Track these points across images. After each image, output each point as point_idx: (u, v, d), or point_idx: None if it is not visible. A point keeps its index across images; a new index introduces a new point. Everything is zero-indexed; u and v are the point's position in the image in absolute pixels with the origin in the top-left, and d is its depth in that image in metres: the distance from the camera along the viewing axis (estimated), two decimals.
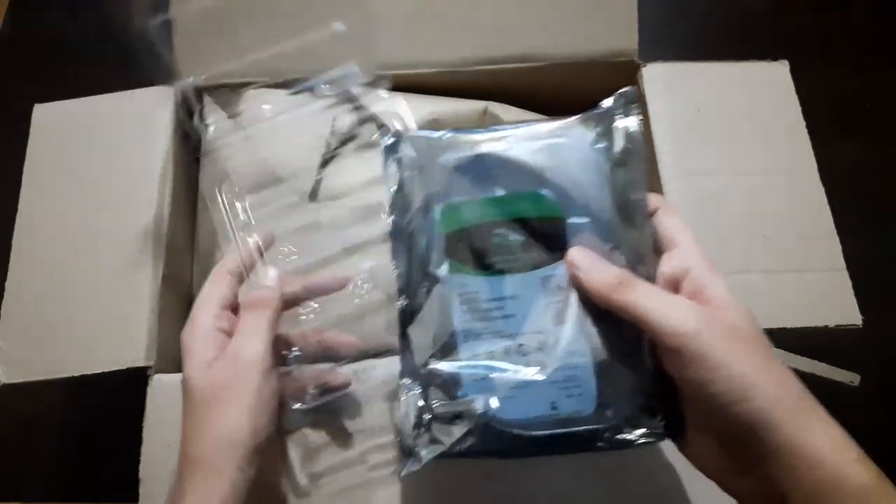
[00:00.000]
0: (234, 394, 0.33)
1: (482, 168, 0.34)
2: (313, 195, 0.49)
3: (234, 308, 0.37)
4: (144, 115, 0.49)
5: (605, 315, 0.32)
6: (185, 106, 0.52)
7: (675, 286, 0.31)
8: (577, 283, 0.32)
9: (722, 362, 0.27)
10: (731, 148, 0.49)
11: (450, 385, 0.32)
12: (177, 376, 0.42)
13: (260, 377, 0.33)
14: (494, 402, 0.31)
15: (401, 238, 0.34)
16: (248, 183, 0.49)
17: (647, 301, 0.29)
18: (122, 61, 0.70)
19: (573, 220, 0.33)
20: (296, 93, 0.49)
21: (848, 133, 0.68)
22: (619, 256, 0.32)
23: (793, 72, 0.51)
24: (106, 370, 0.42)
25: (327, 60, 0.52)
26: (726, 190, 0.48)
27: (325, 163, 0.52)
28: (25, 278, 0.45)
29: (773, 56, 0.52)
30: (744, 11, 0.74)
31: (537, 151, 0.34)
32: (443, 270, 0.33)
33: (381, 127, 0.52)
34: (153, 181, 0.47)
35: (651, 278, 0.32)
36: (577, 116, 0.35)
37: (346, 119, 0.53)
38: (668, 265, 0.32)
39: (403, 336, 0.33)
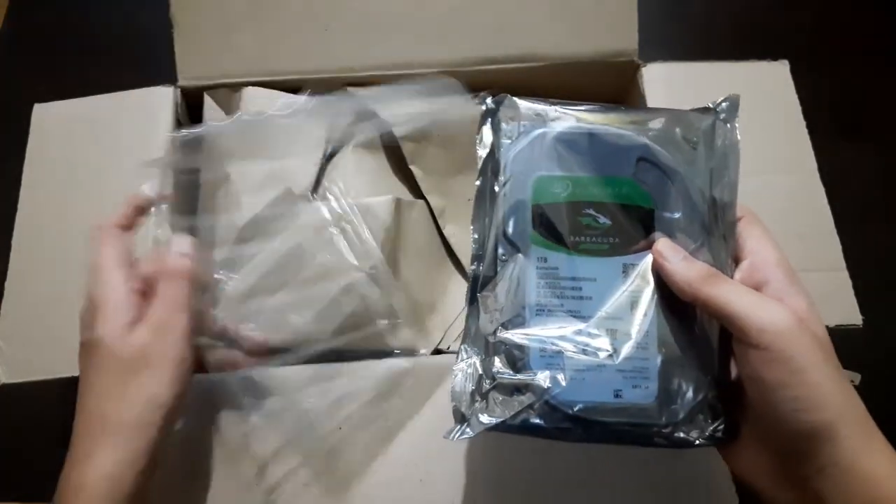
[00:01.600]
0: (160, 361, 0.34)
1: (582, 146, 0.34)
2: (313, 194, 0.49)
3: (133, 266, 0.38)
4: (144, 115, 0.49)
5: (680, 312, 0.32)
6: (185, 106, 0.52)
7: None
8: (662, 273, 0.32)
9: (805, 367, 0.27)
10: None
11: (516, 357, 0.31)
12: None
13: (185, 348, 0.35)
14: (560, 381, 0.31)
15: (483, 203, 0.34)
16: (248, 184, 0.49)
17: (738, 296, 0.29)
18: (123, 61, 0.70)
19: (664, 213, 0.33)
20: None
21: (848, 133, 0.68)
22: (701, 257, 0.32)
23: (793, 72, 0.51)
24: None
25: (327, 60, 0.52)
26: None
27: (324, 162, 0.52)
28: (25, 278, 0.45)
29: (773, 56, 0.52)
30: (743, 11, 0.74)
31: (637, 138, 0.34)
32: (525, 241, 0.33)
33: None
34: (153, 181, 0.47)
35: None
36: (685, 111, 0.35)
37: (345, 117, 0.53)
38: (745, 274, 0.32)
39: (472, 302, 0.33)
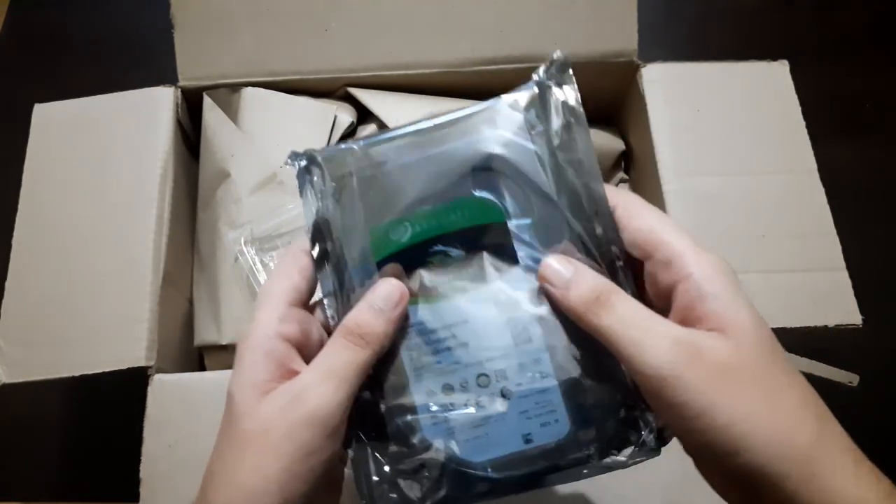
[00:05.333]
0: (278, 445, 0.25)
1: (404, 179, 0.29)
2: None
3: (310, 305, 0.29)
4: (144, 115, 0.49)
5: (571, 327, 0.28)
6: (185, 106, 0.52)
7: (666, 299, 0.26)
8: (550, 299, 0.27)
9: (705, 409, 0.23)
10: (730, 148, 0.49)
11: (406, 432, 0.28)
12: (176, 376, 0.42)
13: (317, 437, 0.25)
14: (457, 446, 0.27)
15: (327, 272, 0.29)
16: (248, 183, 0.49)
17: (624, 328, 0.25)
18: (123, 61, 0.70)
19: (517, 222, 0.28)
20: None
21: (848, 133, 0.68)
22: (575, 257, 0.28)
23: (793, 72, 0.51)
24: (106, 370, 0.42)
25: (327, 60, 0.52)
26: (726, 190, 0.48)
27: None
28: (25, 278, 0.45)
29: (773, 56, 0.52)
30: (743, 11, 0.74)
31: (462, 149, 0.29)
32: None
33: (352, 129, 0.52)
34: (153, 181, 0.47)
35: (622, 283, 0.27)
36: (500, 97, 0.30)
37: (345, 118, 0.53)
38: (655, 275, 0.26)
39: None
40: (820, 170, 0.48)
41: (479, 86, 0.53)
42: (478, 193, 0.29)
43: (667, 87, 0.51)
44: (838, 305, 0.44)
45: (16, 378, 0.42)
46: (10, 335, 0.43)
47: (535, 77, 0.29)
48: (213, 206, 0.51)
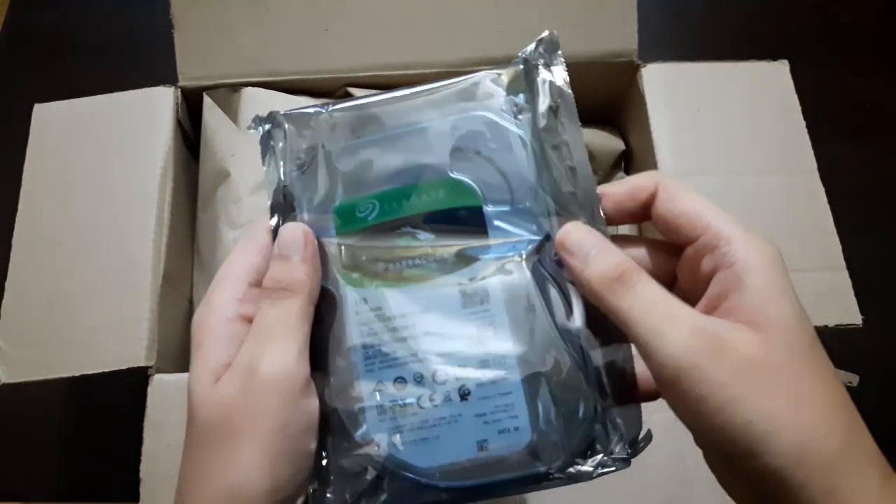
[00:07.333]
0: (246, 427, 0.23)
1: (375, 153, 0.27)
2: None
3: None
4: (144, 115, 0.49)
5: (539, 319, 0.26)
6: (185, 106, 0.52)
7: (706, 286, 0.24)
8: (571, 273, 0.25)
9: (724, 405, 0.21)
10: (730, 148, 0.49)
11: (349, 425, 0.25)
12: (177, 376, 0.42)
13: (286, 403, 0.23)
14: (401, 446, 0.25)
15: None
16: (248, 183, 0.49)
17: (643, 314, 0.23)
18: (123, 61, 0.70)
19: (493, 207, 0.26)
20: None
21: (848, 133, 0.68)
22: (552, 250, 0.26)
23: (793, 72, 0.51)
24: (106, 370, 0.42)
25: (327, 61, 0.52)
26: (725, 190, 0.48)
27: None
28: (25, 278, 0.45)
29: (773, 56, 0.52)
30: (744, 11, 0.74)
31: (439, 126, 0.27)
32: (339, 285, 0.26)
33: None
34: (153, 181, 0.47)
35: None
36: (485, 72, 0.28)
37: None
38: (698, 261, 0.24)
39: None
40: (820, 170, 0.48)
41: None
42: (454, 175, 0.27)
43: (667, 87, 0.51)
44: (838, 305, 0.44)
45: (16, 378, 0.42)
46: (10, 335, 0.43)
47: (521, 54, 0.28)
48: (213, 206, 0.51)
